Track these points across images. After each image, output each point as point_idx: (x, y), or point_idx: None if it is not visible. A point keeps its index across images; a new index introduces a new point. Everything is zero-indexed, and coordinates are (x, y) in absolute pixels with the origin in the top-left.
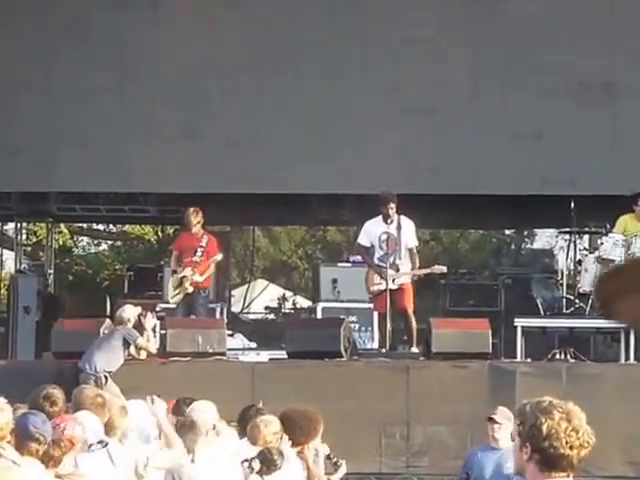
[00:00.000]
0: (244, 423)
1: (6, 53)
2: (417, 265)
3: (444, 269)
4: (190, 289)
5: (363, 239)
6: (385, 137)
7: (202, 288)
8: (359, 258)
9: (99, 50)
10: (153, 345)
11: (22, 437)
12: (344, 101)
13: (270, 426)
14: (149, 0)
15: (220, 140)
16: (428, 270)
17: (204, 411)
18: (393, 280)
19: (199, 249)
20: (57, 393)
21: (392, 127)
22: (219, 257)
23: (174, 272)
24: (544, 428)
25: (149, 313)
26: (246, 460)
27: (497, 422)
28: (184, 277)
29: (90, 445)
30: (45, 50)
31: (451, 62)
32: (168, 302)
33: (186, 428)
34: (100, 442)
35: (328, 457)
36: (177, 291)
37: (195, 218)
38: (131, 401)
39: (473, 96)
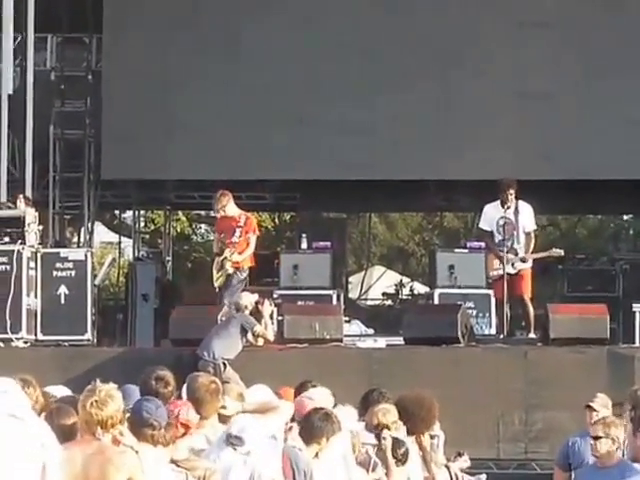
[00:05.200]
0: (366, 406)
1: (123, 42)
2: (531, 248)
3: (561, 252)
4: (230, 270)
5: (483, 223)
6: (499, 123)
7: (241, 269)
8: (476, 244)
9: (212, 37)
10: (270, 332)
11: (137, 424)
12: (458, 87)
13: (388, 414)
14: None
15: (335, 126)
16: (546, 253)
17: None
18: (513, 265)
19: (237, 229)
20: (167, 374)
21: (506, 113)
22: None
23: (216, 255)
24: None
25: (266, 300)
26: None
27: (595, 410)
28: (224, 259)
29: (229, 437)
30: (159, 38)
31: (565, 47)
32: (284, 289)
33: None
34: (237, 438)
35: (459, 454)
36: (219, 274)
37: (219, 202)
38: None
39: (587, 81)
